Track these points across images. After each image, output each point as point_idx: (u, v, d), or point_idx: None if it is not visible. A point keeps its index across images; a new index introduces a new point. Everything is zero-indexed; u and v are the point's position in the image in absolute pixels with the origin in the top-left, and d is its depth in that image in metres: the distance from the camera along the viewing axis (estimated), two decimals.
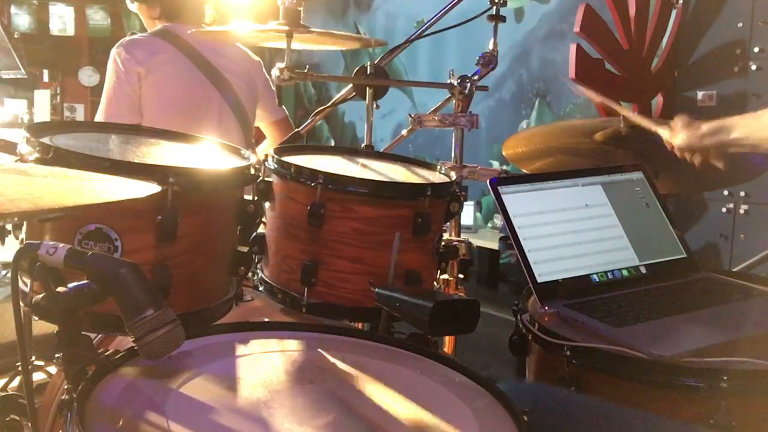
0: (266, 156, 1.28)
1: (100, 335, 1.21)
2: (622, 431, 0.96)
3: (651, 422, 0.97)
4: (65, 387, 0.81)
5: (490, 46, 1.67)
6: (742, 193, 2.78)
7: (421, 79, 4.89)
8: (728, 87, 2.86)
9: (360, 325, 1.39)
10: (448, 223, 1.40)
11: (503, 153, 1.83)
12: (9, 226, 1.11)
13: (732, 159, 1.40)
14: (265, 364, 0.94)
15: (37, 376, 1.43)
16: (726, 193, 2.82)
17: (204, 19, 2.34)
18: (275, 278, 1.27)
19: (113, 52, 2.22)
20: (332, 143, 5.85)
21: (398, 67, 5.07)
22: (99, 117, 2.25)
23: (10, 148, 1.08)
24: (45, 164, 1.01)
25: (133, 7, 2.42)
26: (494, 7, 1.64)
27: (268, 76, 2.46)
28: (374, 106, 1.70)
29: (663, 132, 1.48)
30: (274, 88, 2.47)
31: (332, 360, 0.98)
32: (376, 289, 1.16)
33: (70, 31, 6.80)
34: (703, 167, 1.43)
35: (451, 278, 1.48)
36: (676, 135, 1.44)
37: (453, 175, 1.39)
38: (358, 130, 5.73)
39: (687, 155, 1.44)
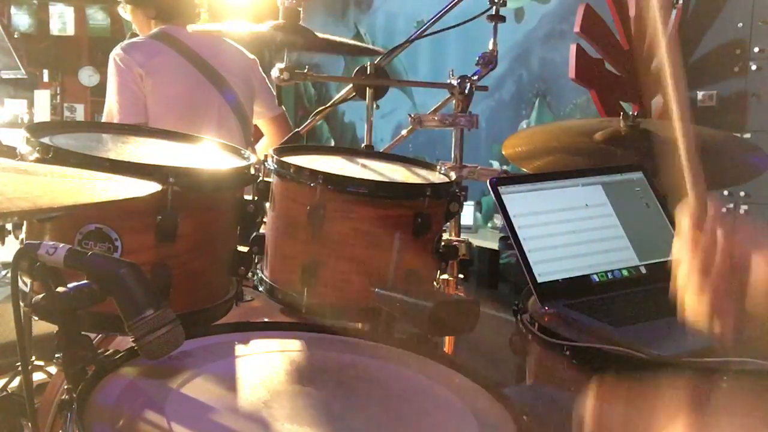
0: (266, 156, 1.28)
1: (100, 335, 1.21)
2: None
3: None
4: (65, 387, 0.81)
5: (490, 46, 1.66)
6: (742, 193, 2.78)
7: (421, 79, 4.88)
8: (728, 87, 2.86)
9: (360, 325, 1.39)
10: (448, 223, 1.40)
11: (503, 152, 1.83)
12: (9, 226, 1.11)
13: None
14: (265, 364, 0.94)
15: (37, 376, 1.43)
16: (726, 193, 2.81)
17: (198, 20, 2.35)
18: (275, 278, 1.27)
19: (112, 55, 2.23)
20: (332, 143, 5.84)
21: (398, 67, 5.06)
22: (109, 120, 2.24)
23: (10, 153, 1.08)
24: (45, 164, 1.01)
25: (127, 14, 2.42)
26: (494, 7, 1.64)
27: (263, 74, 2.46)
28: (374, 106, 1.70)
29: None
30: (270, 86, 2.48)
31: (332, 360, 0.98)
32: (376, 289, 1.16)
33: (70, 31, 6.79)
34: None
35: (451, 278, 1.48)
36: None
37: (453, 175, 1.39)
38: (358, 130, 5.72)
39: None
